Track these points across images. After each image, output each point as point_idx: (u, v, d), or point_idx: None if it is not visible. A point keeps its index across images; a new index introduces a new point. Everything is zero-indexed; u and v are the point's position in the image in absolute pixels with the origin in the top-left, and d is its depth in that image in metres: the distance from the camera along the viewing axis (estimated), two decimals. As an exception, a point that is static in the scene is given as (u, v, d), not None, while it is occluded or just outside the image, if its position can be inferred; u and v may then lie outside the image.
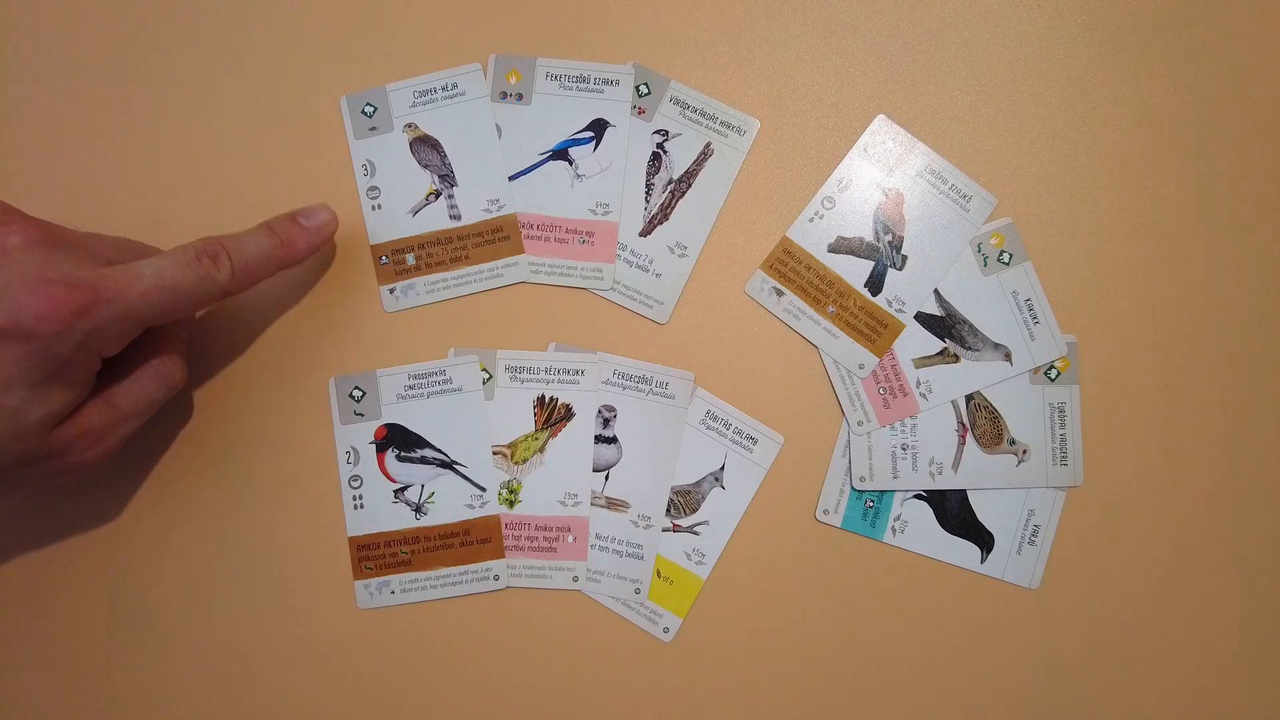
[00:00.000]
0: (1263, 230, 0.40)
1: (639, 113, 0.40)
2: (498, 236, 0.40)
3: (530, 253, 0.40)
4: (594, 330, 0.40)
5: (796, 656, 0.39)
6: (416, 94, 0.40)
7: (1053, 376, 0.40)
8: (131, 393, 0.34)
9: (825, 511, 0.39)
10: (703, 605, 0.39)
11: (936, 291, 0.40)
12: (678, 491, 0.39)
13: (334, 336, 0.40)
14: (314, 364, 0.40)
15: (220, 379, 0.40)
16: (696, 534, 0.39)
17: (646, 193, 0.40)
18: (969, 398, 0.40)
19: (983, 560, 0.39)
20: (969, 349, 0.40)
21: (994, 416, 0.40)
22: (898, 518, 0.39)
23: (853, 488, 0.39)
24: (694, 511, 0.39)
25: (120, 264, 0.32)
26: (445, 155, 0.40)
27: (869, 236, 0.40)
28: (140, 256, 0.34)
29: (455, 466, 0.39)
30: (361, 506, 0.39)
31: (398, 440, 0.39)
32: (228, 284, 0.34)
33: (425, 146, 0.40)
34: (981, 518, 0.39)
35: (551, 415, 0.39)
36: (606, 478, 0.39)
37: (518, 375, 0.39)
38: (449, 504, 0.39)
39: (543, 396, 0.39)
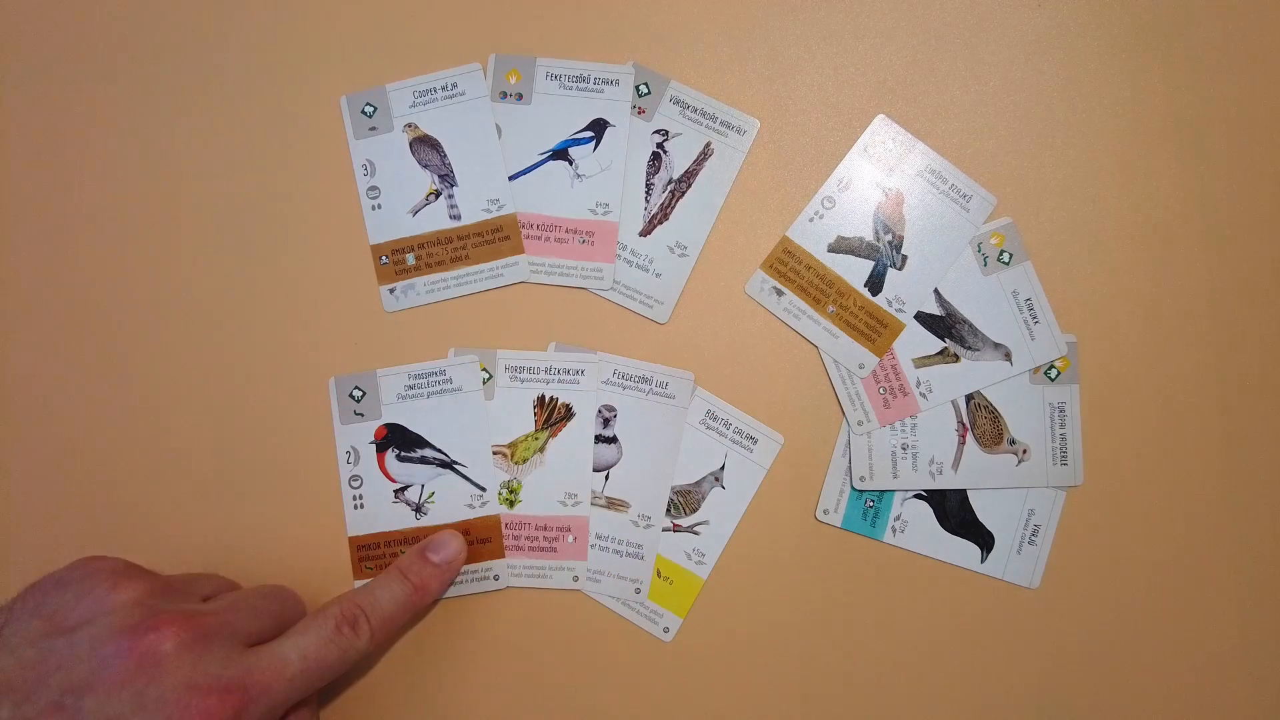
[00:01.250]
0: (1263, 230, 0.40)
1: (639, 113, 0.40)
2: (498, 236, 0.40)
3: (530, 252, 0.40)
4: (594, 330, 0.40)
5: (796, 656, 0.39)
6: (416, 94, 0.40)
7: (1053, 376, 0.40)
8: None
9: (825, 511, 0.39)
10: (703, 605, 0.39)
11: (936, 291, 0.40)
12: (678, 491, 0.39)
13: (334, 336, 0.40)
14: (314, 364, 0.40)
15: (220, 379, 0.40)
16: (696, 534, 0.39)
17: (646, 193, 0.40)
18: (969, 397, 0.40)
19: (983, 560, 0.39)
20: (969, 349, 0.40)
21: (994, 416, 0.39)
22: (898, 517, 0.39)
23: (853, 487, 0.39)
24: (694, 511, 0.39)
25: (258, 641, 0.30)
26: (445, 155, 0.40)
27: (869, 236, 0.40)
28: (273, 610, 0.32)
29: (455, 466, 0.39)
30: (361, 506, 0.39)
31: (398, 440, 0.39)
32: (367, 648, 0.32)
33: (425, 146, 0.40)
34: (981, 517, 0.39)
35: (551, 415, 0.39)
36: (607, 477, 0.39)
37: (518, 375, 0.39)
38: (449, 504, 0.39)
39: (543, 396, 0.39)
